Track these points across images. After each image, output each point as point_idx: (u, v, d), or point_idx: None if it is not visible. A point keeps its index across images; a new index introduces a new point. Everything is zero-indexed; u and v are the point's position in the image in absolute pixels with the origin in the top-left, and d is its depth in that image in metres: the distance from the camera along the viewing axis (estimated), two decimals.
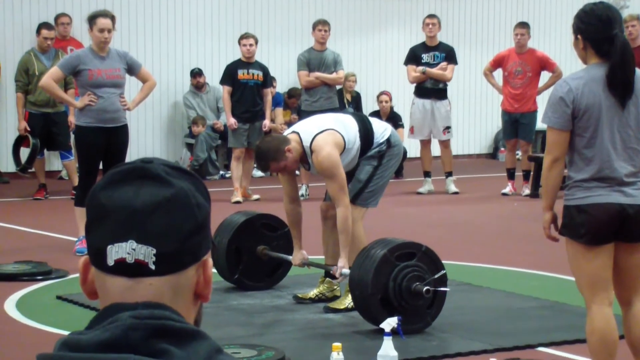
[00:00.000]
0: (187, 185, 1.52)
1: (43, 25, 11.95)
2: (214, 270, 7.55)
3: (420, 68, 12.58)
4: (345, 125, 6.64)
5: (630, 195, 4.60)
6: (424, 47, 12.76)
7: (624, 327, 4.80)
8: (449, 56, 12.70)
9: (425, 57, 12.65)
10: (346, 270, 6.44)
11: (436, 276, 6.15)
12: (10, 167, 12.91)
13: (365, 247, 6.32)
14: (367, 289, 6.05)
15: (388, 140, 6.71)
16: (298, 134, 6.58)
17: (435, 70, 12.59)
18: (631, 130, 4.62)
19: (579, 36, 4.65)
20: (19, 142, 11.58)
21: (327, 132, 6.54)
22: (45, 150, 12.08)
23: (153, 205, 1.48)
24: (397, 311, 5.98)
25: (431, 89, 12.68)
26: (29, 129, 11.46)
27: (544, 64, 12.50)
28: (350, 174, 6.69)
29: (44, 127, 11.60)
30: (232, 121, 11.76)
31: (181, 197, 1.50)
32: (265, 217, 7.49)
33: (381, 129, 6.77)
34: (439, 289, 6.16)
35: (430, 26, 12.69)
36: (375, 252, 6.14)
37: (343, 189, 6.47)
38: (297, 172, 7.20)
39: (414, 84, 12.82)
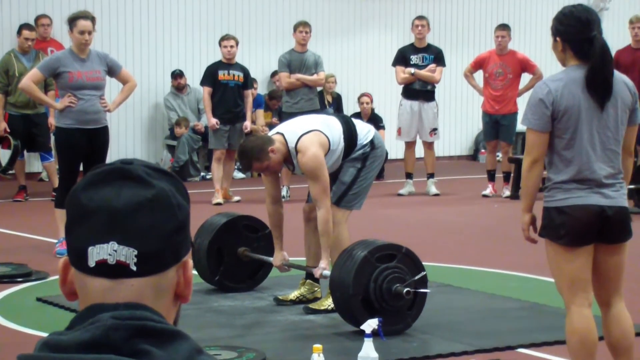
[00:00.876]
0: (168, 186, 1.52)
1: (24, 26, 11.89)
2: (194, 272, 7.55)
3: (409, 69, 12.58)
4: (330, 126, 6.65)
5: (609, 197, 4.63)
6: (412, 49, 12.77)
7: (603, 328, 4.82)
8: (438, 58, 12.71)
9: (414, 59, 12.65)
10: (327, 272, 6.45)
11: (416, 277, 6.17)
12: None
13: (345, 248, 6.33)
14: (348, 290, 6.06)
15: (372, 142, 6.73)
16: (282, 134, 6.58)
17: (424, 72, 12.59)
18: (610, 132, 4.64)
19: (557, 38, 4.67)
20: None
21: (312, 133, 6.55)
22: (25, 152, 12.03)
23: (134, 206, 1.48)
24: (377, 312, 5.99)
25: (419, 91, 12.69)
26: (8, 130, 11.41)
27: (525, 65, 12.54)
28: (334, 176, 6.69)
29: (24, 129, 11.55)
30: (214, 122, 11.75)
31: (162, 197, 1.50)
32: (246, 219, 7.49)
33: (365, 131, 6.78)
34: (419, 290, 6.18)
35: (420, 28, 12.70)
36: (356, 253, 6.15)
37: (325, 192, 6.47)
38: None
39: (401, 85, 12.83)
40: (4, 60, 11.74)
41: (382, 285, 6.08)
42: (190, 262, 1.56)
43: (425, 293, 6.23)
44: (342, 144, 6.64)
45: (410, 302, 6.17)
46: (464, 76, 12.99)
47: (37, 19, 13.18)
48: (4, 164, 11.42)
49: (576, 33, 4.60)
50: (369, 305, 6.09)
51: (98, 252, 1.47)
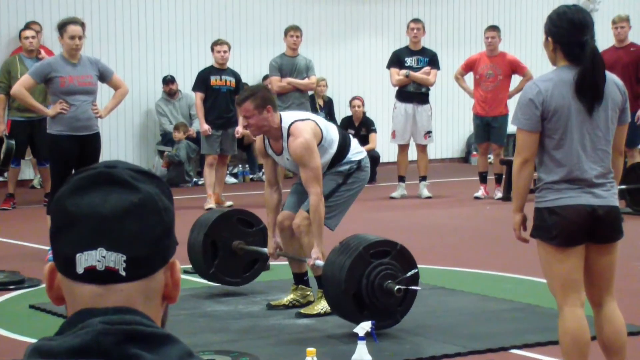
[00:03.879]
0: (153, 189, 1.52)
1: (23, 29, 12.01)
2: (186, 277, 7.55)
3: (404, 71, 12.57)
4: (327, 127, 6.66)
5: (600, 197, 4.63)
6: (407, 51, 12.77)
7: (595, 328, 4.83)
8: (432, 61, 12.71)
9: (409, 61, 12.65)
10: (320, 262, 6.44)
11: (408, 275, 6.17)
12: None
13: (341, 241, 6.32)
14: (341, 285, 6.07)
15: (359, 162, 6.73)
16: (280, 115, 6.60)
17: (418, 75, 12.59)
18: (600, 132, 4.65)
19: (549, 38, 4.67)
20: None
21: (307, 122, 6.56)
22: (21, 160, 12.01)
23: (122, 211, 1.47)
24: (368, 308, 6.02)
25: (414, 93, 12.68)
26: (7, 133, 11.36)
27: (515, 67, 12.56)
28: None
29: (27, 134, 11.50)
30: (206, 127, 11.75)
31: (149, 202, 1.50)
32: (241, 213, 7.53)
33: (357, 149, 6.81)
34: (410, 287, 6.18)
35: (415, 31, 12.71)
36: (350, 248, 6.16)
37: (316, 178, 6.44)
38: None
39: (395, 88, 12.83)
40: (7, 61, 11.80)
41: (374, 282, 6.08)
42: (177, 263, 1.56)
43: (416, 291, 6.23)
44: (333, 148, 6.63)
45: (400, 299, 6.18)
46: (455, 79, 13.00)
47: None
48: None
49: (568, 35, 4.61)
50: (360, 300, 6.10)
51: (86, 259, 1.47)
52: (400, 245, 6.26)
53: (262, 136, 6.71)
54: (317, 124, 6.59)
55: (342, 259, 6.13)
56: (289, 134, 6.48)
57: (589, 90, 4.58)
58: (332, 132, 6.66)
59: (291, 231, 6.70)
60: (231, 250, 7.33)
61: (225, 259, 7.33)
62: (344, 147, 6.70)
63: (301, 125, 6.50)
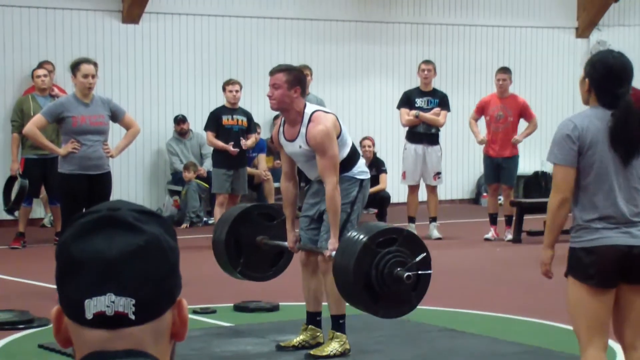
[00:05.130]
0: (158, 230, 1.51)
1: (35, 67, 12.16)
2: (195, 317, 7.52)
3: (414, 112, 12.59)
4: (344, 130, 6.68)
5: (636, 237, 4.61)
6: (418, 92, 12.78)
7: None
8: (443, 102, 12.72)
9: (419, 102, 12.67)
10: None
11: (417, 259, 6.12)
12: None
13: (348, 234, 6.28)
14: (350, 277, 6.02)
15: (362, 182, 6.72)
16: (305, 102, 6.63)
17: (428, 115, 12.60)
18: (634, 170, 4.66)
19: (586, 79, 4.70)
20: (10, 183, 11.46)
21: (329, 114, 6.62)
22: (33, 199, 12.04)
23: (127, 255, 1.47)
24: (381, 298, 6.00)
25: (423, 134, 12.68)
26: (20, 171, 11.39)
27: (524, 111, 12.61)
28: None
29: (40, 173, 11.53)
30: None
31: (154, 243, 1.50)
32: (261, 207, 7.51)
33: (363, 168, 6.82)
34: (421, 272, 6.13)
35: (426, 72, 12.74)
36: (356, 239, 6.11)
37: (334, 167, 6.45)
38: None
39: (405, 128, 12.84)
40: (20, 100, 11.90)
41: (383, 271, 6.02)
42: (184, 301, 1.55)
43: (429, 274, 6.18)
44: (345, 151, 6.64)
45: (413, 284, 6.12)
46: (469, 123, 12.98)
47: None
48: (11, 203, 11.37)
49: (604, 82, 4.64)
50: (372, 291, 6.05)
51: (95, 305, 1.46)
52: (407, 230, 6.23)
53: (279, 124, 6.73)
54: (337, 119, 6.62)
55: (350, 250, 6.06)
56: (310, 120, 6.50)
57: (621, 144, 4.59)
58: (347, 135, 6.71)
59: (314, 266, 6.68)
60: (255, 245, 7.23)
61: (250, 255, 7.21)
62: (353, 156, 6.72)
63: (323, 115, 6.56)
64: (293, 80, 6.50)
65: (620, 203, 4.61)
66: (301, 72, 6.76)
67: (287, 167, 6.84)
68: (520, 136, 12.57)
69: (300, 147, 6.59)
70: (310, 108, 6.57)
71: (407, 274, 6.01)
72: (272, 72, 6.63)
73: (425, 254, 6.18)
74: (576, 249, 4.66)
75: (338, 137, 6.55)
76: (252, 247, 7.23)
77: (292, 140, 6.63)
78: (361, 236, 6.11)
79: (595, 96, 4.67)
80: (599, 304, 4.61)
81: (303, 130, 6.53)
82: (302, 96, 6.54)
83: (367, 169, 6.94)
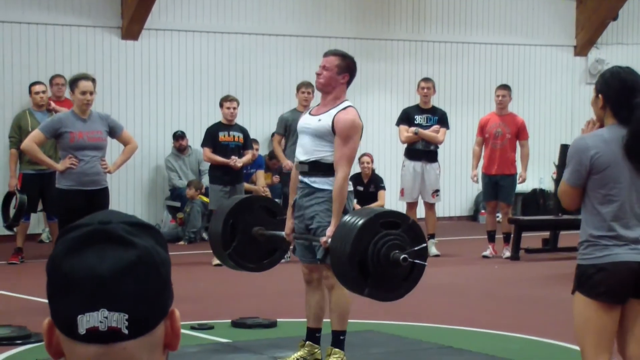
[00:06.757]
0: (149, 242, 1.50)
1: (33, 84, 12.20)
2: (192, 333, 7.51)
3: (413, 129, 12.59)
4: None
5: None
6: (417, 109, 12.79)
7: None
8: (442, 120, 12.73)
9: (419, 119, 12.67)
10: None
11: (416, 248, 6.10)
12: None
13: (352, 211, 6.28)
14: (347, 248, 5.98)
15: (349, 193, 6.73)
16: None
17: (427, 132, 12.60)
18: None
19: (600, 95, 4.71)
20: (8, 198, 11.46)
21: (359, 118, 6.65)
22: (31, 215, 12.02)
23: (120, 270, 1.46)
24: (372, 277, 5.96)
25: (422, 151, 12.68)
26: (19, 186, 11.39)
27: (521, 131, 12.65)
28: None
29: (38, 188, 11.52)
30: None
31: (146, 257, 1.48)
32: (264, 200, 7.51)
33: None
34: (417, 261, 6.11)
35: (426, 90, 12.75)
36: (361, 215, 6.13)
37: (349, 160, 6.50)
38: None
39: (404, 145, 12.85)
40: (18, 116, 11.93)
41: (380, 250, 6.00)
42: (177, 312, 1.55)
43: (423, 266, 6.17)
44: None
45: (405, 273, 6.10)
46: (473, 151, 12.98)
47: (52, 78, 13.18)
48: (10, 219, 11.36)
49: (618, 95, 4.64)
50: (365, 267, 6.01)
51: (88, 320, 1.46)
52: (412, 220, 6.23)
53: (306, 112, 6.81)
54: (362, 126, 6.70)
55: (351, 224, 6.06)
56: (343, 109, 6.54)
57: (636, 156, 4.60)
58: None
59: (318, 282, 6.68)
60: (251, 235, 7.19)
61: (244, 243, 7.17)
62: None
63: (356, 113, 6.61)
64: (344, 66, 6.59)
65: (630, 222, 4.62)
66: (354, 62, 6.78)
67: None
68: (523, 172, 12.64)
69: (320, 120, 6.61)
70: (348, 102, 6.63)
71: (403, 256, 5.99)
72: (327, 54, 6.74)
73: (424, 245, 6.19)
74: (586, 265, 4.66)
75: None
76: (247, 236, 7.19)
77: (316, 114, 6.68)
78: (367, 212, 6.12)
79: (611, 111, 4.67)
80: (607, 320, 4.61)
81: (333, 111, 6.56)
82: (347, 85, 6.60)
83: (350, 182, 6.95)
